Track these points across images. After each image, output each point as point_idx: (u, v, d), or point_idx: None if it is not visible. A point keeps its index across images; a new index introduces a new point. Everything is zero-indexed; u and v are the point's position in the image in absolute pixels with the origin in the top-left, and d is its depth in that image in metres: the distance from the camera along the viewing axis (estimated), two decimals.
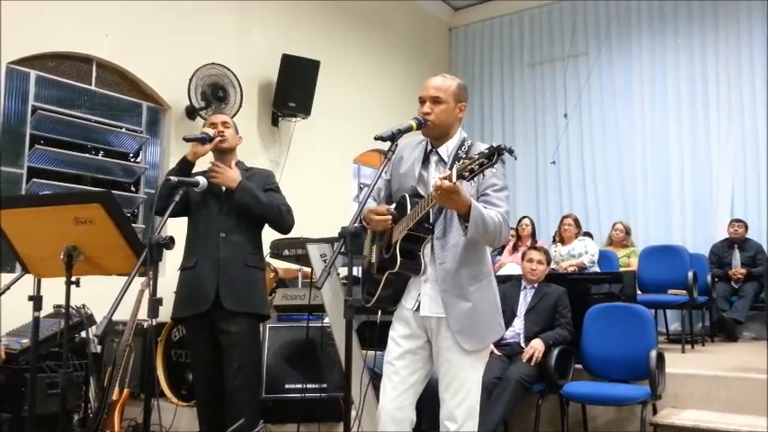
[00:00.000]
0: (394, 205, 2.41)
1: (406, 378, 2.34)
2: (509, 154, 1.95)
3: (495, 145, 1.95)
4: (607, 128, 7.66)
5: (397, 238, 2.29)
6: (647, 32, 7.53)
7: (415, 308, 2.35)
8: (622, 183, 7.49)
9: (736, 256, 6.20)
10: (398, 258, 2.25)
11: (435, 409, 2.35)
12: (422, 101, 2.39)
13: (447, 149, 2.40)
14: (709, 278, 5.79)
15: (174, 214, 3.09)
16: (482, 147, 2.22)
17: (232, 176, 3.02)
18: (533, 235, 6.43)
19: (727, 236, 6.40)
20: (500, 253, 6.42)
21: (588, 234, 6.61)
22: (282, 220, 3.10)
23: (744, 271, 6.06)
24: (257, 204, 3.03)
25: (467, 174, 1.97)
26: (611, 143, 7.60)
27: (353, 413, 2.76)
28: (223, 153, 3.15)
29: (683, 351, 5.16)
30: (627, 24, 7.67)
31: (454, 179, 1.99)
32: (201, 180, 2.94)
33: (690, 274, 5.35)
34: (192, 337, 3.23)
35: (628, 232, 6.56)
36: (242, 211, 3.05)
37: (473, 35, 8.85)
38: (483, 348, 2.38)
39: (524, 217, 6.61)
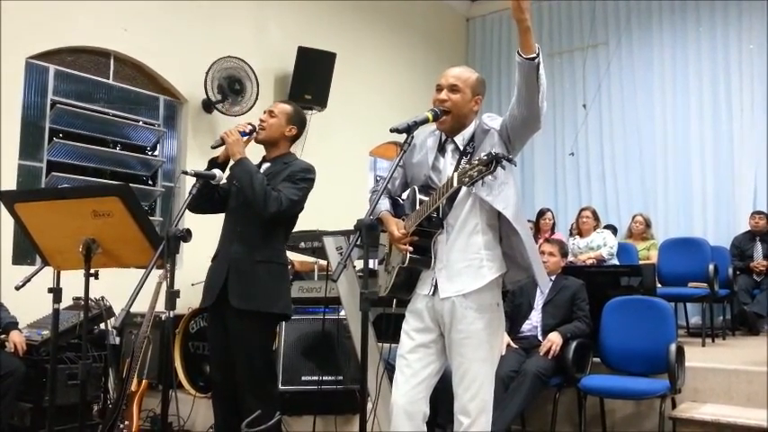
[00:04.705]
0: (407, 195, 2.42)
1: (418, 371, 2.32)
2: (509, 162, 2.01)
3: (493, 153, 1.99)
4: (627, 119, 7.54)
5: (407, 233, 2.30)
6: (668, 21, 7.39)
7: (431, 292, 2.33)
8: (642, 174, 7.39)
9: (758, 249, 6.09)
10: (408, 255, 2.27)
11: (452, 403, 2.34)
12: (439, 88, 2.36)
13: (463, 138, 2.37)
14: (730, 271, 5.70)
15: (210, 210, 3.07)
16: (487, 144, 2.28)
17: (237, 148, 2.84)
18: (553, 228, 6.39)
19: (749, 228, 6.30)
20: None
21: (612, 227, 6.54)
22: (263, 202, 2.79)
23: (766, 263, 5.96)
24: (248, 184, 2.80)
25: (466, 180, 2.03)
26: (631, 134, 7.49)
27: (369, 405, 2.76)
28: (266, 144, 3.07)
29: (704, 345, 5.09)
30: (647, 13, 7.53)
31: (455, 184, 2.09)
32: (218, 173, 2.92)
33: (711, 267, 5.28)
34: (209, 329, 3.21)
35: (648, 225, 6.48)
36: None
37: (491, 26, 8.76)
38: (495, 340, 2.36)
39: (547, 210, 6.57)
